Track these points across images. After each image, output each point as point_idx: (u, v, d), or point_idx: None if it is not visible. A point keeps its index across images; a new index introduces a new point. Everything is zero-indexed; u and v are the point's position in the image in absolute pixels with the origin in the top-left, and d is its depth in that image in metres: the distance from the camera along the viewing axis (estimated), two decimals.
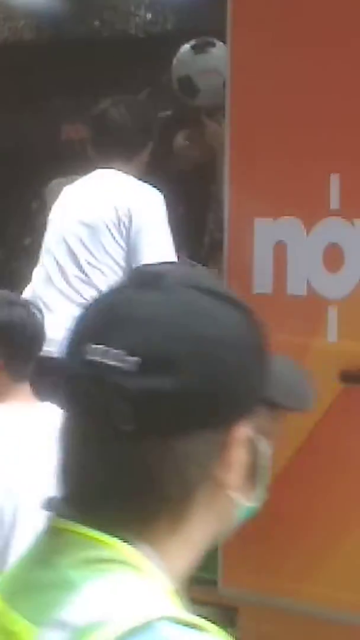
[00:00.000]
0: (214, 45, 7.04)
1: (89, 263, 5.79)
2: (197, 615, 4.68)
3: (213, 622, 5.20)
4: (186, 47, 7.15)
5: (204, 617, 5.28)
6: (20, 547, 4.17)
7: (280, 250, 5.37)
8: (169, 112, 7.58)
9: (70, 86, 7.79)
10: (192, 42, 7.13)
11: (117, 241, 5.64)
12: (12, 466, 4.27)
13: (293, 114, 5.37)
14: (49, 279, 5.91)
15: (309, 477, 5.34)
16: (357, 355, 5.19)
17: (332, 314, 5.25)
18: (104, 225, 5.69)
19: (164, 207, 5.71)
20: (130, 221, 5.61)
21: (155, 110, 7.53)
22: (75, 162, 7.88)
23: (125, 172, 5.87)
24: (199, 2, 7.39)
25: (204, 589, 5.29)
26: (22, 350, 4.35)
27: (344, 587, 5.21)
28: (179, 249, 6.80)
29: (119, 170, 5.87)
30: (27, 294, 5.78)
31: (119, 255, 5.60)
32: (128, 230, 5.58)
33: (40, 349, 4.48)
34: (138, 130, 5.79)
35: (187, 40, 7.26)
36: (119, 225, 5.60)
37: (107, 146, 5.83)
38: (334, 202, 5.23)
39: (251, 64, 5.51)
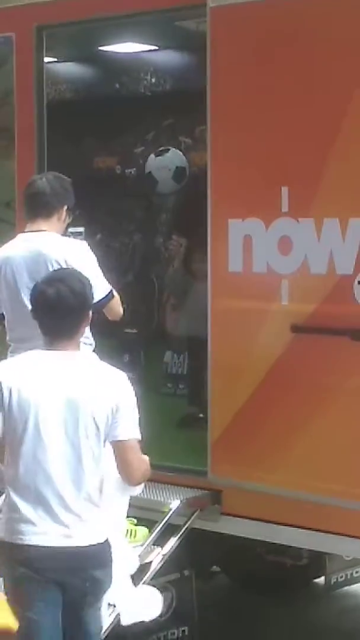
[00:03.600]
0: (168, 151, 7.15)
1: None
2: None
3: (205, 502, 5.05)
4: (152, 155, 7.27)
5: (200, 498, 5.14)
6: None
7: (247, 241, 5.32)
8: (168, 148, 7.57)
9: (99, 130, 7.74)
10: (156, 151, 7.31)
11: None
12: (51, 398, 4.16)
13: (257, 147, 5.29)
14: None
15: (273, 396, 5.29)
16: (302, 313, 5.15)
17: (285, 285, 5.22)
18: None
19: (91, 252, 5.23)
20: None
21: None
22: (104, 184, 7.90)
23: (47, 229, 5.29)
24: (186, 70, 7.32)
25: (198, 477, 5.29)
26: (72, 316, 4.28)
27: (292, 475, 5.19)
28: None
29: (44, 229, 5.29)
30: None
31: None
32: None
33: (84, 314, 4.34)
34: (53, 195, 5.31)
35: (180, 96, 7.25)
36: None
37: (34, 207, 5.33)
38: (284, 207, 5.17)
39: (225, 113, 5.43)
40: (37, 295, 4.29)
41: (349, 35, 4.96)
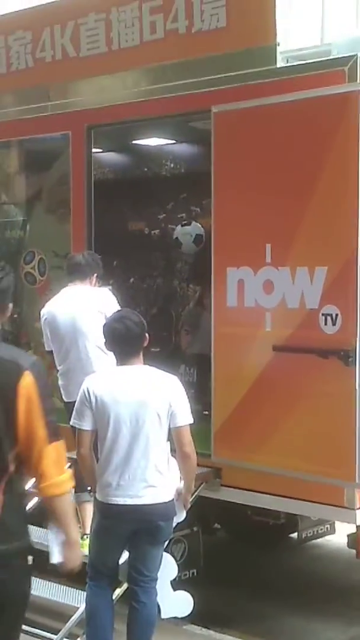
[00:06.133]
0: (190, 223, 7.14)
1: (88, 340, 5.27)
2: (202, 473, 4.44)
3: (209, 476, 5.02)
4: (178, 226, 7.27)
5: (205, 474, 5.02)
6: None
7: (240, 284, 5.28)
8: (184, 214, 7.57)
9: (132, 202, 7.75)
10: (182, 222, 7.30)
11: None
12: (125, 399, 4.24)
13: (248, 215, 5.27)
14: (65, 353, 5.36)
15: (258, 398, 5.25)
16: (281, 337, 5.11)
17: (268, 316, 5.18)
18: (95, 317, 5.16)
19: (114, 299, 5.34)
20: (105, 309, 5.08)
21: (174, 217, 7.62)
22: (136, 242, 7.91)
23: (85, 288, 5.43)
24: (196, 158, 7.31)
25: (204, 458, 5.25)
26: (135, 342, 4.34)
27: (273, 456, 5.15)
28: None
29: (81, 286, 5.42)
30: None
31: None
32: (104, 314, 4.95)
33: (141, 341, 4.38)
34: (87, 266, 5.46)
35: (191, 177, 7.25)
36: (102, 316, 4.99)
37: (73, 273, 5.48)
38: (268, 259, 5.14)
39: (225, 189, 5.40)
40: (111, 330, 4.36)
41: (312, 132, 4.93)
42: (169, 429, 4.30)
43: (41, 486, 2.99)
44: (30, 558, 3.04)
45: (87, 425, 4.28)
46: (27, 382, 2.92)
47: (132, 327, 4.34)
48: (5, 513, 2.92)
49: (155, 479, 4.25)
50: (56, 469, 2.99)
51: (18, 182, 6.99)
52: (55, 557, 3.14)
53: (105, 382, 4.34)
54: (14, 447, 2.93)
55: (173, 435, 4.32)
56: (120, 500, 4.19)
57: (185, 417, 4.31)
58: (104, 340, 4.46)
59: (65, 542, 3.11)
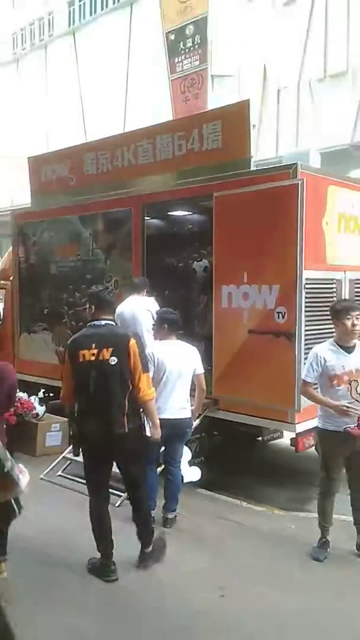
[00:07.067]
0: (201, 259, 6.98)
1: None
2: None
3: (210, 405, 4.81)
4: (195, 262, 6.83)
5: (208, 403, 4.91)
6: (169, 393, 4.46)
7: (229, 294, 5.30)
8: (197, 254, 7.60)
9: (167, 247, 7.71)
10: (196, 259, 6.81)
11: (148, 317, 5.12)
12: (172, 359, 4.40)
13: (234, 256, 5.27)
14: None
15: (239, 361, 5.27)
16: (253, 324, 5.13)
17: (245, 313, 5.20)
18: (145, 313, 5.30)
19: (156, 303, 5.34)
20: (151, 309, 5.19)
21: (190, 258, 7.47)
22: (169, 270, 7.95)
23: (139, 297, 5.49)
24: (204, 223, 7.16)
25: (207, 394, 5.20)
26: (175, 326, 4.50)
27: (247, 393, 5.19)
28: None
29: (137, 296, 5.49)
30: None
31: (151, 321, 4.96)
32: (151, 311, 5.10)
33: (179, 327, 4.51)
34: (140, 285, 5.53)
35: (202, 234, 7.28)
36: (149, 313, 5.18)
37: (133, 289, 5.57)
38: (245, 280, 5.17)
39: (220, 241, 5.40)
40: (171, 318, 4.50)
41: (271, 207, 4.98)
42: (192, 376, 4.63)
43: (139, 395, 3.72)
44: (147, 431, 3.78)
45: (150, 374, 4.31)
46: (132, 343, 3.70)
47: (179, 317, 4.64)
48: (129, 409, 3.64)
49: (184, 404, 4.57)
50: (146, 386, 3.74)
51: (102, 236, 7.13)
52: (148, 432, 3.86)
53: (161, 348, 4.51)
54: (130, 376, 3.67)
55: (195, 379, 4.62)
56: (163, 416, 4.29)
57: (201, 369, 4.66)
58: (159, 323, 4.54)
59: (152, 425, 3.88)
